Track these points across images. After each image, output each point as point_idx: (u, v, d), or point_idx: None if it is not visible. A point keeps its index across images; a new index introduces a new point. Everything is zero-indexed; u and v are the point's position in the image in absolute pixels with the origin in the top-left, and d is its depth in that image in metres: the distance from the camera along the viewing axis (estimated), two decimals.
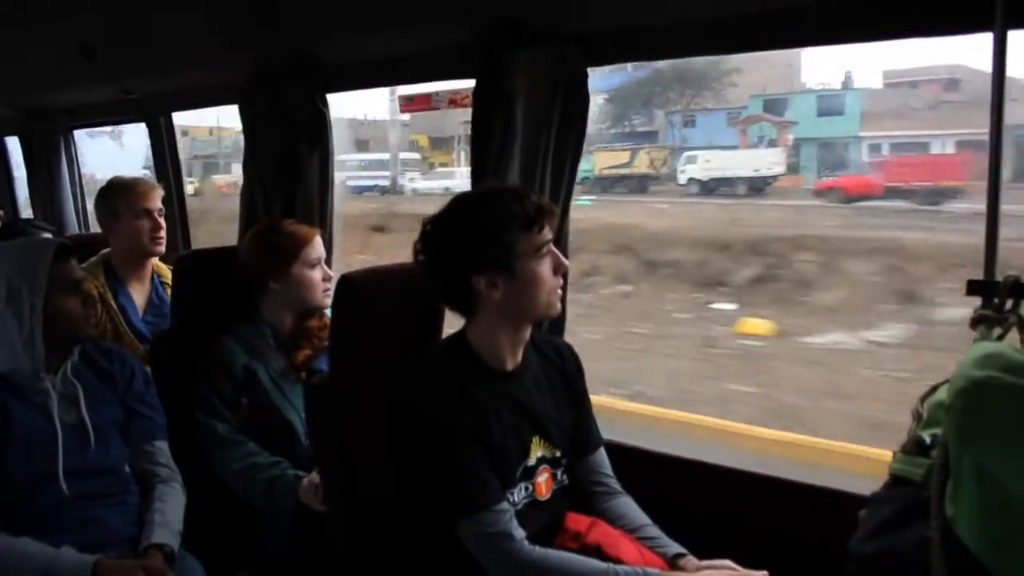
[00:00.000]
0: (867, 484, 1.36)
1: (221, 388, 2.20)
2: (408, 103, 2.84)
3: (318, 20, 2.27)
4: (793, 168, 16.51)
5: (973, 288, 1.41)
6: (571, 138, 2.09)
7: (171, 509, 1.99)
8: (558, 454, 1.83)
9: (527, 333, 1.80)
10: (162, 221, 2.76)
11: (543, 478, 1.79)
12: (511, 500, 1.72)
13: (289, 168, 2.61)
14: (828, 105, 17.22)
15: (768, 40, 1.95)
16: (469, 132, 2.14)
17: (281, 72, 2.55)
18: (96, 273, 2.69)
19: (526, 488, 1.76)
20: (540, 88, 2.04)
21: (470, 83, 2.16)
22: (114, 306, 2.68)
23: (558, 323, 2.12)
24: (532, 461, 1.77)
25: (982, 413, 1.07)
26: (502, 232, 1.66)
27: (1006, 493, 1.02)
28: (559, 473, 1.83)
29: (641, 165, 17.24)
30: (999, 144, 1.56)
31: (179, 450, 2.13)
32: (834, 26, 1.81)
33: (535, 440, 1.78)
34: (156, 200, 2.77)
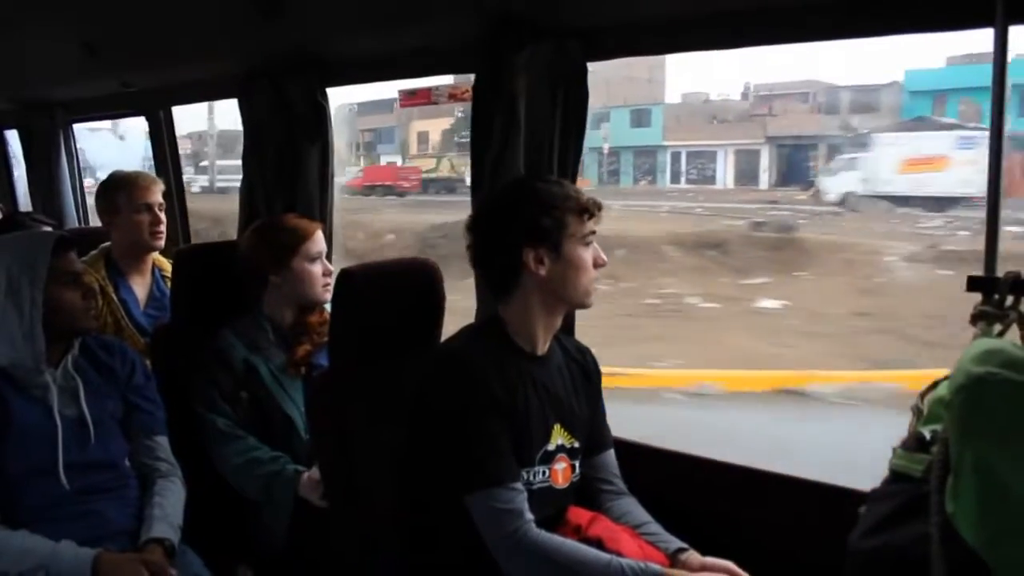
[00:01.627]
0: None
1: (221, 382, 2.20)
2: (408, 98, 2.83)
3: (318, 15, 2.26)
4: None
5: (974, 284, 1.41)
6: (573, 134, 2.09)
7: (171, 503, 1.99)
8: (576, 445, 1.84)
9: (559, 321, 1.85)
10: (162, 215, 2.76)
11: (561, 466, 1.81)
12: (527, 480, 1.73)
13: (289, 163, 2.60)
14: (639, 118, 20.55)
15: (769, 36, 1.94)
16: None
17: (281, 67, 2.55)
18: (97, 266, 2.69)
19: (543, 472, 1.78)
20: (541, 84, 2.03)
21: (470, 77, 2.16)
22: (115, 299, 2.68)
23: (568, 323, 2.12)
24: (552, 446, 1.79)
25: (982, 409, 1.07)
26: (557, 209, 1.72)
27: (1006, 489, 1.02)
28: (577, 465, 1.85)
29: (444, 170, 21.14)
30: (999, 142, 1.56)
31: (179, 444, 2.13)
32: (835, 22, 1.80)
33: (556, 427, 1.80)
34: (157, 194, 2.77)
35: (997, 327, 1.31)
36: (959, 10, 1.62)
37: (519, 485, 1.68)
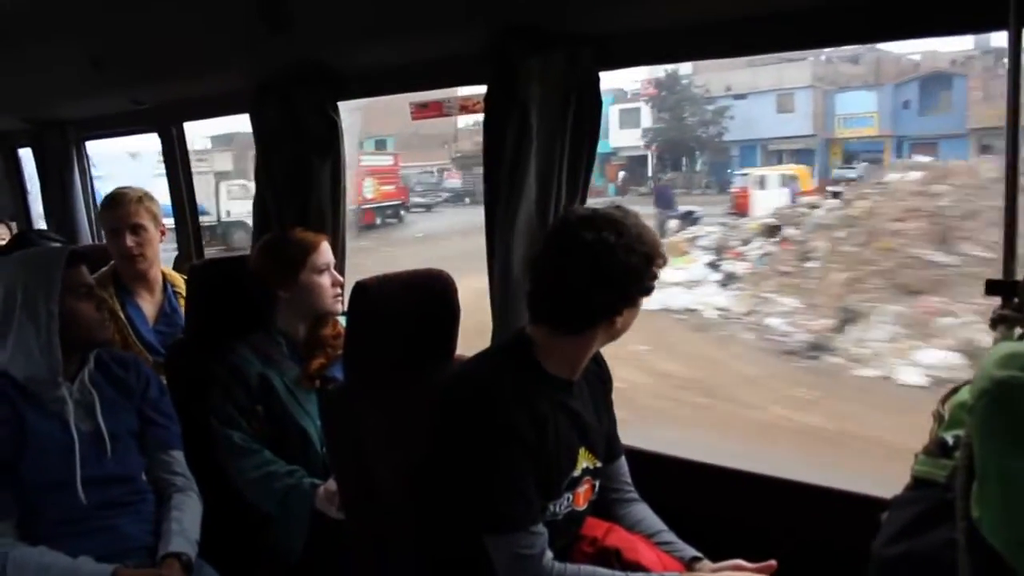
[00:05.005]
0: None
1: (236, 397, 2.20)
2: (420, 110, 2.83)
3: (328, 28, 2.27)
4: None
5: (992, 288, 1.40)
6: (585, 143, 2.08)
7: (188, 518, 1.99)
8: (599, 464, 1.81)
9: None
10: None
11: (583, 489, 1.78)
12: (553, 512, 1.70)
13: (300, 177, 2.60)
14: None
15: (783, 42, 1.95)
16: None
17: (292, 81, 2.55)
18: (105, 284, 2.68)
19: (568, 499, 1.74)
20: (553, 93, 2.03)
21: (481, 89, 2.16)
22: (122, 317, 2.68)
23: None
24: (578, 472, 1.75)
25: (1005, 413, 1.06)
26: (650, 269, 1.64)
27: None
28: (597, 484, 1.82)
29: None
30: (1016, 145, 1.55)
31: (195, 459, 2.13)
32: (848, 28, 1.81)
33: (582, 451, 1.75)
34: None
35: (1018, 331, 1.30)
36: (973, 13, 1.62)
37: (540, 527, 1.63)
